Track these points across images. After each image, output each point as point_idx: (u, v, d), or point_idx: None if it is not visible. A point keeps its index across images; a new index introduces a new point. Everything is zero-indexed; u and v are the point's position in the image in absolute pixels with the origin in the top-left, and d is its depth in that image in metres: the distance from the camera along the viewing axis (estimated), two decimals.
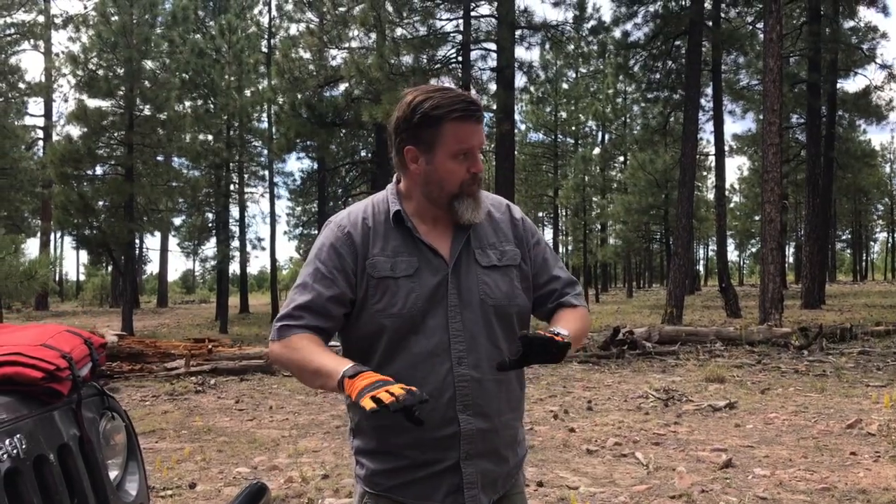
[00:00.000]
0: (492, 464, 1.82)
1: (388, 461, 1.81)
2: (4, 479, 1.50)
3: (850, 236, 67.72)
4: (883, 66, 28.63)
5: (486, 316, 1.81)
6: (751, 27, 27.63)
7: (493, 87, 20.09)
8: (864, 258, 72.51)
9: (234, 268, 30.55)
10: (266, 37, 33.15)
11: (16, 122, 33.32)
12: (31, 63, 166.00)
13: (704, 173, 49.67)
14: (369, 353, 1.80)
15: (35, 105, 39.60)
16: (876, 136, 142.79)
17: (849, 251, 72.82)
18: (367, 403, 1.45)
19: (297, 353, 1.74)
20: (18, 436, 1.58)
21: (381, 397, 1.45)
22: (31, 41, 37.21)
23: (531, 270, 1.93)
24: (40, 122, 39.57)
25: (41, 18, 37.14)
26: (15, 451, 1.55)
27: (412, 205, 1.87)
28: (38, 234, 37.37)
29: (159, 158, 22.56)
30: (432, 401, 1.70)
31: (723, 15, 25.94)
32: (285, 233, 41.83)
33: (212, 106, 24.03)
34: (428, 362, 1.76)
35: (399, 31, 19.37)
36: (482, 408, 1.78)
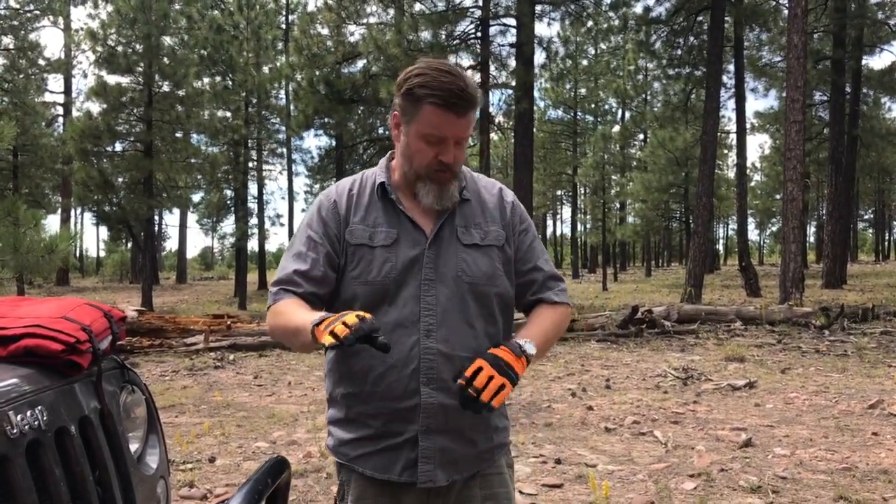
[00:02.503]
0: (453, 442, 1.80)
1: (353, 430, 1.84)
2: (26, 450, 1.50)
3: (872, 216, 66.94)
4: None
5: (461, 293, 1.81)
6: (774, 2, 27.18)
7: (512, 63, 19.90)
8: (887, 238, 71.67)
9: (253, 244, 30.61)
10: (284, 13, 33.01)
11: (36, 99, 33.48)
12: (50, 39, 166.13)
13: (725, 151, 49.27)
14: None
15: (55, 82, 39.71)
16: None
17: (871, 231, 72.04)
18: (327, 339, 1.50)
19: (280, 317, 1.78)
20: (40, 407, 1.58)
21: (337, 331, 1.49)
22: (51, 17, 37.20)
23: (514, 255, 1.93)
24: (60, 98, 39.72)
25: None
26: (37, 423, 1.55)
27: (398, 176, 1.89)
28: (59, 211, 37.61)
29: (178, 135, 22.56)
30: (395, 371, 1.75)
31: None
32: (303, 210, 41.81)
33: (230, 82, 24.03)
34: (395, 332, 1.76)
35: (417, 7, 19.22)
36: (447, 383, 1.75)
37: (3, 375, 1.62)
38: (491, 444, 1.88)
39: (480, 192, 1.94)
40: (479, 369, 1.64)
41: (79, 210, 49.38)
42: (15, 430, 1.48)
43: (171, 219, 50.75)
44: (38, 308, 1.92)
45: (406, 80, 1.78)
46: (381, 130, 33.08)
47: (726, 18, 22.68)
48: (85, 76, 40.12)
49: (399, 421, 1.77)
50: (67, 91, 39.38)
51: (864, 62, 28.39)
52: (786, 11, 20.25)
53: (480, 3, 19.01)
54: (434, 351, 1.76)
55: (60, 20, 37.82)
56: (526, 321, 1.92)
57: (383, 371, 1.76)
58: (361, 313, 1.54)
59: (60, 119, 38.90)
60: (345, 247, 1.84)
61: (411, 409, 1.76)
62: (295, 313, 1.73)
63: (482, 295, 1.83)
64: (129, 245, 43.92)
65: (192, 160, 22.39)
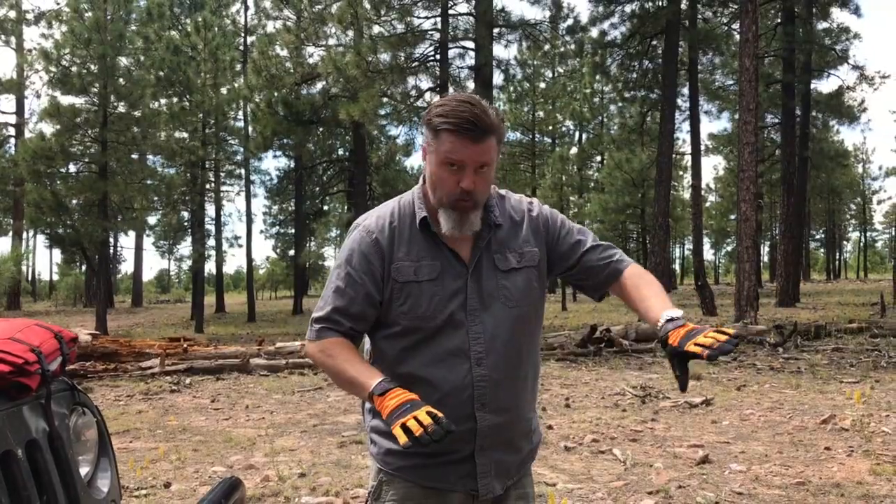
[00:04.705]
0: (505, 454, 1.92)
1: None
2: None
3: (823, 235, 68.49)
4: (855, 67, 29.00)
5: (504, 318, 1.89)
6: (726, 27, 27.88)
7: (471, 85, 20.06)
8: (838, 257, 73.39)
9: (210, 267, 30.37)
10: (243, 34, 32.96)
11: None
12: (1, 59, 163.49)
13: (681, 172, 50.02)
14: (393, 352, 1.89)
15: (6, 102, 39.07)
16: (848, 137, 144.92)
17: (822, 250, 73.65)
18: (399, 435, 1.59)
19: (332, 359, 1.86)
20: None
21: (410, 426, 1.58)
22: (2, 37, 36.63)
23: (564, 253, 1.99)
24: (12, 119, 38.94)
25: (12, 14, 36.61)
26: None
27: (431, 204, 1.92)
28: (10, 234, 36.83)
29: (134, 156, 22.26)
30: (452, 398, 1.83)
31: (699, 15, 26.11)
32: (261, 231, 41.57)
33: (187, 103, 23.81)
34: (448, 362, 1.85)
35: (376, 29, 19.32)
36: (498, 404, 1.87)
37: None
38: (531, 446, 2.04)
39: (511, 215, 1.99)
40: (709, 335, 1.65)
41: (31, 232, 48.34)
42: None
43: (126, 241, 49.86)
44: None
45: (428, 113, 1.86)
46: (340, 151, 33.13)
47: (680, 43, 23.18)
48: (38, 96, 39.36)
49: (455, 442, 1.81)
50: (20, 111, 38.64)
51: (812, 86, 29.19)
52: (737, 36, 20.75)
53: (439, 27, 19.18)
54: (486, 378, 1.85)
55: (13, 40, 37.24)
56: (631, 291, 1.96)
57: (440, 398, 1.81)
58: (433, 410, 1.61)
59: (12, 140, 38.15)
60: (391, 283, 1.88)
61: (467, 431, 1.84)
62: (351, 362, 1.82)
63: (523, 314, 1.92)
64: (83, 268, 43.13)
65: (148, 182, 22.06)
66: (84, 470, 1.98)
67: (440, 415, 1.61)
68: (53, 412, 1.84)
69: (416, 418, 1.59)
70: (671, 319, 1.76)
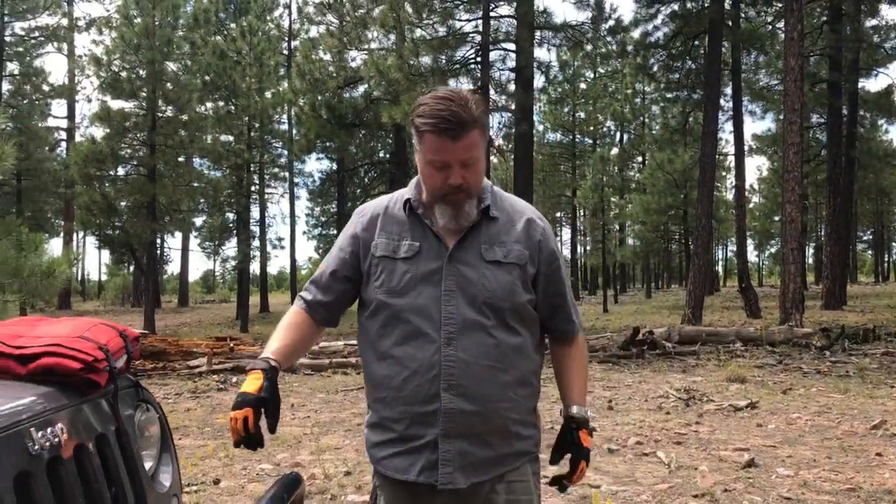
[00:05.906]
0: (472, 446, 1.86)
1: (380, 433, 1.95)
2: (46, 466, 1.54)
3: (871, 237, 66.94)
4: None
5: (479, 306, 1.87)
6: (770, 27, 27.43)
7: (511, 87, 20.07)
8: (886, 259, 71.65)
9: (255, 267, 30.67)
10: (286, 39, 33.35)
11: (39, 124, 33.74)
12: (54, 65, 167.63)
13: (724, 173, 49.39)
14: (371, 327, 1.96)
15: (58, 107, 40.02)
16: None
17: (870, 252, 72.01)
18: (228, 423, 1.77)
19: (279, 324, 2.05)
20: (59, 425, 1.62)
21: (230, 423, 1.77)
22: (55, 44, 37.42)
23: (543, 283, 1.99)
24: (63, 123, 39.79)
25: (64, 21, 37.44)
26: (56, 440, 1.58)
27: (426, 195, 1.97)
28: (62, 235, 37.68)
29: (181, 159, 22.72)
30: (418, 377, 1.85)
31: (742, 15, 25.73)
32: (304, 233, 42.01)
33: (233, 107, 24.19)
34: (418, 339, 1.86)
35: (418, 32, 19.38)
36: (466, 389, 1.84)
37: (24, 393, 1.66)
38: (511, 449, 1.94)
39: (510, 213, 2.00)
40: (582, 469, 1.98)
41: (81, 234, 49.46)
42: (37, 447, 1.51)
43: (173, 242, 50.72)
44: (55, 328, 1.96)
45: (412, 113, 1.88)
46: (381, 154, 33.34)
47: (724, 42, 22.86)
48: (89, 101, 40.39)
49: (420, 425, 1.86)
50: (71, 116, 39.51)
51: (860, 85, 28.54)
52: (782, 35, 20.43)
53: (480, 29, 19.20)
54: (454, 358, 1.84)
55: (64, 46, 38.10)
56: (562, 369, 2.08)
57: (407, 376, 1.86)
58: (251, 418, 1.78)
59: (63, 144, 39.04)
60: (369, 259, 1.96)
61: (432, 413, 1.84)
62: (279, 333, 2.01)
63: (499, 309, 1.89)
64: (132, 268, 43.96)
65: (195, 184, 22.51)
66: (148, 464, 2.06)
67: (251, 428, 1.76)
68: (119, 408, 1.92)
69: (234, 419, 1.76)
70: (572, 417, 2.00)
